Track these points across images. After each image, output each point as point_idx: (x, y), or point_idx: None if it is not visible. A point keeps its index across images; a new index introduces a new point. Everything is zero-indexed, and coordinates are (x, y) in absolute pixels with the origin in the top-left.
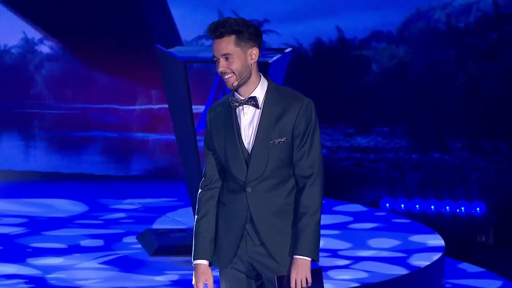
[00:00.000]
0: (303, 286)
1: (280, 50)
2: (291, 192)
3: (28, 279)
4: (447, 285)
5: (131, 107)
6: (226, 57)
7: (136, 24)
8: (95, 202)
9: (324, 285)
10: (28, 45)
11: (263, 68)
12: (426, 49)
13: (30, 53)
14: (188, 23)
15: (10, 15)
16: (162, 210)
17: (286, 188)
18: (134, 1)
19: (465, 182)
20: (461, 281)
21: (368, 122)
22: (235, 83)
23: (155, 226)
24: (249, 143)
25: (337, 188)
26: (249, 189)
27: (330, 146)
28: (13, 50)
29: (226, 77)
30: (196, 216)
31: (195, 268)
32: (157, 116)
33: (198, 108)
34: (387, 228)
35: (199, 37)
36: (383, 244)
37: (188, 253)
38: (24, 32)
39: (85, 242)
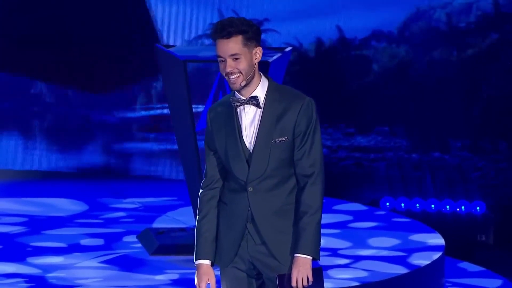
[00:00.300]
0: (304, 284)
1: (280, 49)
2: (292, 191)
3: (28, 278)
4: (447, 284)
5: (131, 107)
6: (235, 57)
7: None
8: (95, 201)
9: (324, 284)
10: None
11: (263, 67)
12: (427, 48)
13: None
14: (188, 22)
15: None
16: (162, 209)
17: (287, 187)
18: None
19: (465, 182)
20: (461, 280)
21: (368, 121)
22: (243, 83)
23: (155, 225)
24: (250, 142)
25: (337, 187)
26: (250, 189)
27: (330, 146)
28: None
29: (233, 77)
30: (197, 216)
31: (197, 268)
32: (158, 116)
33: (198, 107)
34: (387, 227)
35: (199, 36)
36: (383, 243)
37: (189, 252)
38: None
39: (85, 241)
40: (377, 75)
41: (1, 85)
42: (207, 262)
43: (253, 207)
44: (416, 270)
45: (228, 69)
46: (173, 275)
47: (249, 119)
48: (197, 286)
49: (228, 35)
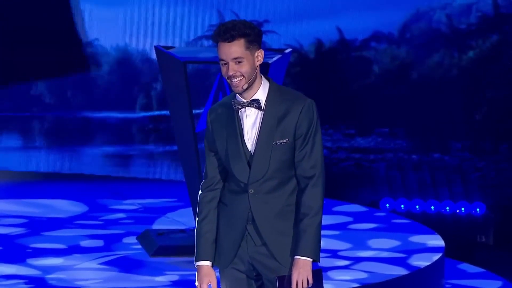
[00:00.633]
0: (304, 286)
1: (280, 51)
2: (293, 193)
3: (28, 279)
4: (447, 286)
5: (131, 108)
6: (238, 60)
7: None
8: (95, 203)
9: (324, 285)
10: None
11: (263, 68)
12: (427, 50)
13: None
14: (188, 24)
15: None
16: (162, 211)
17: (287, 189)
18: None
19: (465, 182)
20: (461, 281)
21: (368, 123)
22: (245, 86)
23: (155, 226)
24: (252, 144)
25: (337, 188)
26: (251, 191)
27: (330, 147)
28: None
29: (235, 80)
30: (197, 218)
31: (198, 269)
32: (157, 117)
33: (198, 108)
34: (387, 228)
35: (199, 38)
36: (383, 244)
37: (189, 253)
38: None
39: (85, 243)
40: (378, 77)
41: (2, 85)
42: (208, 263)
43: (253, 208)
44: (416, 272)
45: (231, 73)
46: (173, 276)
47: (251, 122)
48: (198, 287)
49: (231, 39)
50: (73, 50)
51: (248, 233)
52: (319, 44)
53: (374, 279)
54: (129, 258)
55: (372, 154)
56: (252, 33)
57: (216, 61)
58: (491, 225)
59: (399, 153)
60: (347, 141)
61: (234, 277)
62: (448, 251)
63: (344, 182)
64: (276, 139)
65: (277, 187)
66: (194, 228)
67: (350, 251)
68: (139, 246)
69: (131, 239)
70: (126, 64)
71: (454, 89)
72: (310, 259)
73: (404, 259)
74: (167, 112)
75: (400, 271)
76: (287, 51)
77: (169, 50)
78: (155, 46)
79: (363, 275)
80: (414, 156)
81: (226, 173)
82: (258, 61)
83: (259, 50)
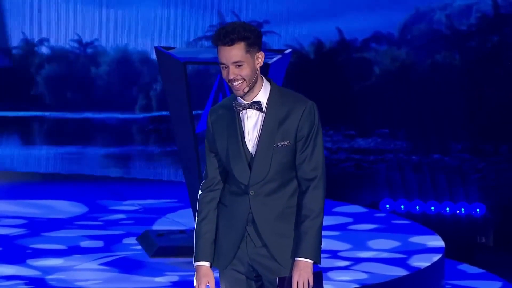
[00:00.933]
0: None
1: (280, 51)
2: (293, 195)
3: (28, 280)
4: (447, 286)
5: (131, 109)
6: (238, 64)
7: None
8: (95, 203)
9: (324, 286)
10: (28, 46)
11: (263, 69)
12: (427, 51)
13: (31, 54)
14: (188, 24)
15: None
16: (162, 211)
17: (288, 190)
18: None
19: (465, 183)
20: (461, 282)
21: (369, 124)
22: (246, 89)
23: (155, 227)
24: (253, 146)
25: (337, 189)
26: (251, 192)
27: (330, 148)
28: (13, 51)
29: (236, 83)
30: (197, 218)
31: (196, 269)
32: (157, 117)
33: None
34: (387, 229)
35: (199, 38)
36: (383, 245)
37: (188, 254)
38: (23, 33)
39: (85, 243)
40: (378, 78)
41: (2, 86)
42: (206, 263)
43: (254, 210)
44: (416, 272)
45: (231, 76)
46: (173, 277)
47: (252, 123)
48: (196, 287)
49: (231, 42)
50: None
51: (248, 234)
52: (319, 44)
53: (374, 279)
54: (129, 259)
55: (372, 155)
56: (252, 36)
57: (216, 62)
58: (491, 226)
59: (399, 154)
60: (347, 142)
61: (234, 278)
62: (448, 252)
63: (344, 183)
64: (277, 141)
65: (277, 189)
66: (194, 228)
67: (350, 252)
68: (139, 247)
69: (131, 240)
70: (126, 64)
71: (454, 90)
72: (311, 261)
73: (404, 259)
74: (167, 113)
75: (400, 272)
76: (287, 51)
77: (169, 51)
78: (155, 47)
79: (363, 276)
80: (414, 157)
81: (226, 174)
82: (258, 63)
83: (259, 53)
